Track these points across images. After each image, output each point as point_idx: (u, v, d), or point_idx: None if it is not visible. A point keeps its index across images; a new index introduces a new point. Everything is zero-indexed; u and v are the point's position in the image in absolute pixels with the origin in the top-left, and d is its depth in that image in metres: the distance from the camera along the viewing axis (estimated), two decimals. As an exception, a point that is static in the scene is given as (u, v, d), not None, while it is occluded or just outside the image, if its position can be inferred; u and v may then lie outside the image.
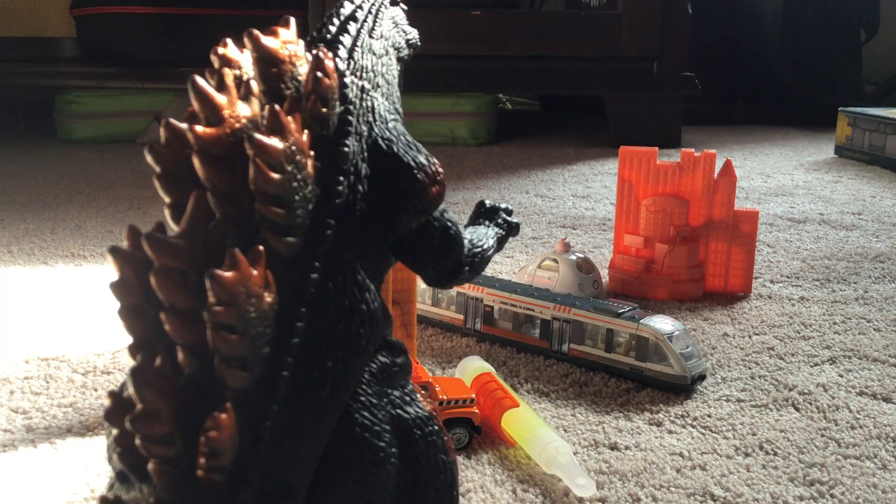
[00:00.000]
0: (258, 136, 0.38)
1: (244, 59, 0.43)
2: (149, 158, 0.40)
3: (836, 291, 1.04)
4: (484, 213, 0.56)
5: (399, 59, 0.52)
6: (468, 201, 1.51)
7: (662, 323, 0.77)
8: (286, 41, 0.43)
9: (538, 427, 0.63)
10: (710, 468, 0.63)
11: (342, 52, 0.45)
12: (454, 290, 0.88)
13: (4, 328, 0.88)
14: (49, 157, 1.91)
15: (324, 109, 0.42)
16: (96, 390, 0.74)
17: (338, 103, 0.42)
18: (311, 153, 0.40)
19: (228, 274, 0.35)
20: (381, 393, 0.42)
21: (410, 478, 0.42)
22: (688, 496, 0.59)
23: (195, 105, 0.40)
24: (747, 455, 0.65)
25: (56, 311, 0.94)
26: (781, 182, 1.72)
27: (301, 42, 0.44)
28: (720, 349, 0.85)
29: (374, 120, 0.45)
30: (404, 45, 0.53)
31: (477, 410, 0.65)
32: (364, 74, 0.46)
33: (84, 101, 2.09)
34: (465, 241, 0.49)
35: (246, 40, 0.42)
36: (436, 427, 0.44)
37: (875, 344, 0.87)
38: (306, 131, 0.40)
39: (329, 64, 0.43)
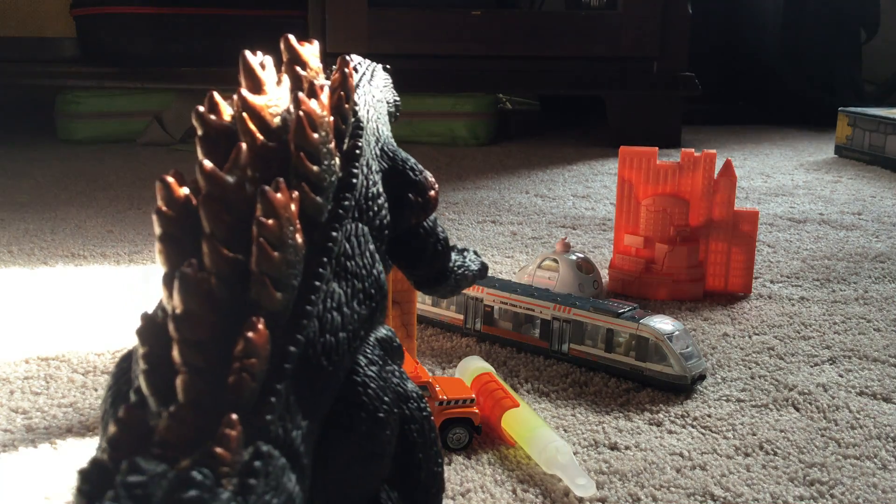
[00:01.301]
0: (304, 97, 0.43)
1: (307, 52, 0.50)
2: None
3: (836, 291, 1.04)
4: (457, 251, 0.61)
5: (388, 113, 0.59)
6: (468, 201, 1.51)
7: (662, 323, 0.77)
8: (312, 52, 0.51)
9: (538, 427, 0.63)
10: (710, 468, 0.63)
11: (354, 79, 0.52)
12: (454, 290, 0.88)
13: (4, 328, 0.88)
14: (49, 157, 1.91)
15: (346, 105, 0.48)
16: (96, 390, 0.74)
17: (350, 129, 0.48)
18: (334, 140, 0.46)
19: (277, 194, 0.38)
20: (385, 360, 0.44)
21: (405, 447, 0.45)
22: (688, 496, 0.59)
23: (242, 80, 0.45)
24: (747, 455, 0.65)
25: (56, 311, 0.94)
26: (781, 182, 1.72)
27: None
28: (720, 349, 0.85)
29: (380, 134, 0.53)
30: (392, 102, 0.62)
31: (477, 410, 0.65)
32: (368, 107, 0.52)
33: (84, 101, 2.09)
34: (455, 257, 0.57)
35: (282, 46, 0.49)
36: (426, 404, 0.47)
37: (875, 344, 0.87)
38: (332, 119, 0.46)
39: (345, 80, 0.49)
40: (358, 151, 0.47)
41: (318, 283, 0.40)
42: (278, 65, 0.48)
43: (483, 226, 1.34)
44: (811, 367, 0.81)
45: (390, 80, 0.63)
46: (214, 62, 1.92)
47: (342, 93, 0.48)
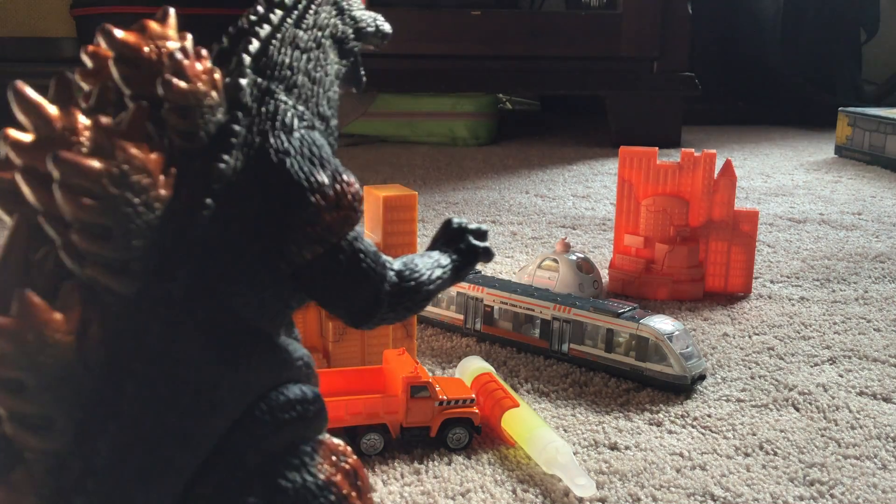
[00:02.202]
0: (66, 153, 0.32)
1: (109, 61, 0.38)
2: None
3: (836, 291, 1.04)
4: (447, 235, 0.47)
5: (344, 52, 0.45)
6: (468, 201, 1.51)
7: (662, 323, 0.77)
8: (155, 35, 0.38)
9: (538, 427, 0.63)
10: (710, 468, 0.63)
11: (252, 46, 0.40)
12: (454, 290, 0.88)
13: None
14: (49, 157, 1.91)
15: (184, 121, 0.36)
16: None
17: (218, 108, 0.37)
18: (168, 171, 0.35)
19: (8, 321, 0.31)
20: (294, 461, 0.37)
21: None
22: (688, 496, 0.59)
23: (20, 117, 0.35)
24: (747, 455, 0.65)
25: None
26: (781, 182, 1.72)
27: (188, 37, 0.39)
28: (720, 349, 0.85)
29: (274, 127, 0.38)
30: (350, 35, 0.45)
31: (477, 410, 0.65)
32: (277, 73, 0.40)
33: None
34: (390, 273, 0.41)
35: (99, 38, 0.38)
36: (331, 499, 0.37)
37: (875, 344, 0.87)
38: (162, 146, 0.35)
39: (193, 64, 0.37)
40: (214, 178, 0.36)
41: (117, 409, 0.33)
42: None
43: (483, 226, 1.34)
44: (811, 367, 0.81)
45: (356, 1, 0.47)
46: (213, 63, 1.91)
47: (169, 108, 0.35)
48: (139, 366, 0.33)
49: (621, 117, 2.11)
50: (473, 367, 0.73)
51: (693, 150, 1.02)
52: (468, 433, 0.65)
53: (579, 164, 1.90)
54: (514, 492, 0.59)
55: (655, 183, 1.02)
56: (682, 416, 0.71)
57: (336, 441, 0.39)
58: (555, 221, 1.38)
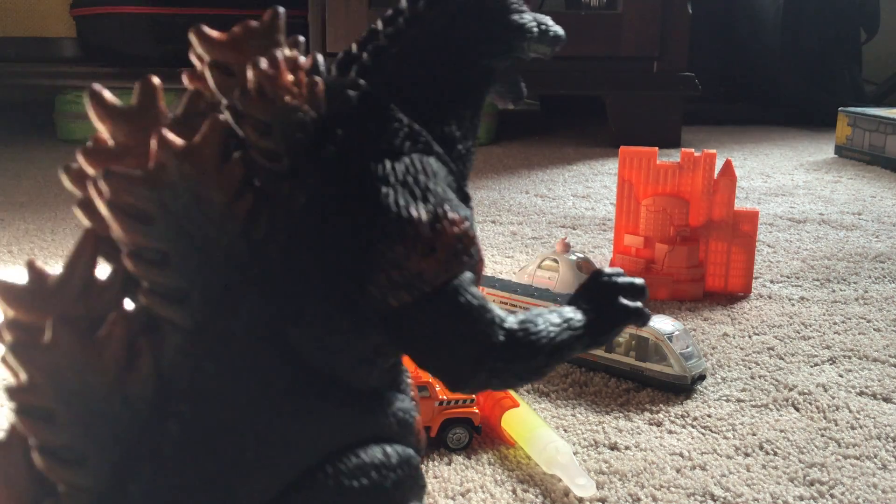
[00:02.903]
0: (116, 167, 0.30)
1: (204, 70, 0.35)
2: (66, 183, 0.34)
3: (836, 291, 1.04)
4: (593, 289, 0.38)
5: (493, 64, 0.39)
6: (468, 201, 1.51)
7: (662, 323, 0.77)
8: (259, 39, 0.35)
9: (538, 427, 0.63)
10: (710, 468, 0.63)
11: (366, 58, 0.35)
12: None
13: (4, 328, 0.88)
14: (49, 157, 1.91)
15: (261, 137, 0.32)
16: None
17: (310, 126, 0.32)
18: (244, 194, 0.31)
19: (40, 344, 0.29)
20: None
21: None
22: (688, 496, 0.59)
23: (94, 121, 0.33)
24: (747, 455, 0.65)
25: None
26: (781, 182, 1.72)
27: (299, 41, 0.35)
28: (720, 349, 0.85)
29: (379, 150, 0.33)
30: (502, 44, 0.39)
31: (477, 410, 0.65)
32: (395, 86, 0.35)
33: (84, 101, 2.09)
34: (498, 332, 0.34)
35: (194, 39, 0.34)
36: None
37: (875, 344, 0.87)
38: (238, 166, 0.32)
39: (284, 75, 0.32)
40: (288, 208, 0.32)
41: (161, 450, 0.30)
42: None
43: (483, 226, 1.34)
44: (811, 367, 0.81)
45: (514, 5, 0.39)
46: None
47: (248, 124, 0.32)
48: (186, 407, 0.30)
49: (621, 117, 2.11)
50: (473, 367, 0.73)
51: (693, 150, 1.02)
52: (468, 433, 0.65)
53: (579, 164, 1.90)
54: (514, 492, 0.59)
55: (655, 183, 1.02)
56: (682, 416, 0.71)
57: None
58: (555, 221, 1.38)
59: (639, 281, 0.38)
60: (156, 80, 0.34)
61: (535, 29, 0.40)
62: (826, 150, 2.11)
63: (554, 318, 0.36)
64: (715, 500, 0.59)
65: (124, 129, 0.32)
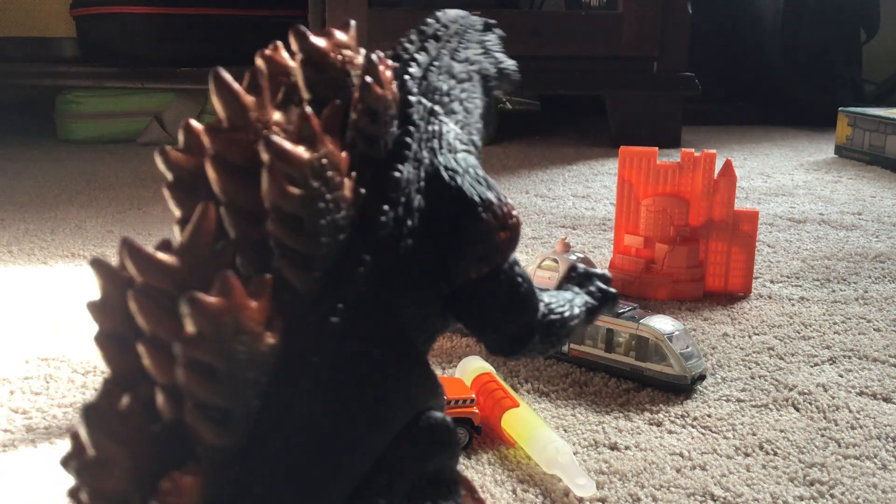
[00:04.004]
0: (277, 139, 0.32)
1: (294, 65, 0.38)
2: (160, 163, 0.35)
3: (836, 291, 1.04)
4: (574, 279, 0.47)
5: (487, 89, 0.46)
6: (468, 201, 1.51)
7: (662, 323, 0.77)
8: (340, 44, 0.38)
9: (538, 427, 0.63)
10: (710, 468, 0.63)
11: (414, 70, 0.40)
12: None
13: (4, 328, 0.88)
14: (49, 157, 1.91)
15: (373, 125, 0.36)
16: (96, 390, 0.74)
17: (395, 121, 0.37)
18: (352, 174, 0.35)
19: (212, 299, 0.29)
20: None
21: None
22: (688, 496, 0.59)
23: (216, 103, 0.34)
24: (747, 455, 0.65)
25: (56, 311, 0.94)
26: (781, 182, 1.72)
27: (362, 50, 0.39)
28: (720, 349, 0.85)
29: (440, 147, 0.39)
30: (494, 75, 0.46)
31: (477, 410, 0.65)
32: (437, 97, 0.40)
33: (84, 101, 2.09)
34: (541, 305, 0.41)
35: (292, 39, 0.37)
36: None
37: (875, 344, 0.87)
38: (348, 148, 0.35)
39: (385, 72, 0.37)
40: (391, 186, 0.36)
41: (297, 399, 0.31)
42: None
43: (483, 226, 1.34)
44: (811, 367, 0.81)
45: (497, 42, 0.48)
46: (214, 62, 1.92)
47: (364, 112, 0.36)
48: (316, 361, 0.32)
49: (621, 117, 2.11)
50: (473, 367, 0.73)
51: (693, 150, 1.02)
52: (468, 433, 0.65)
53: (579, 164, 1.90)
54: (514, 492, 0.59)
55: (655, 183, 1.02)
56: (682, 416, 0.71)
57: (466, 476, 0.38)
58: (555, 221, 1.38)
59: (607, 272, 0.48)
60: (263, 67, 0.37)
61: (511, 67, 0.49)
62: (826, 150, 2.11)
63: (569, 297, 0.44)
64: (715, 500, 0.59)
65: (241, 109, 0.34)
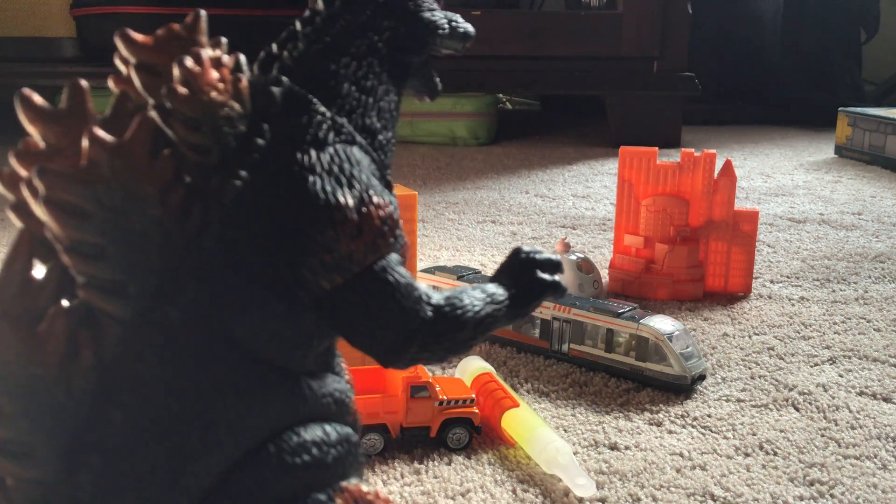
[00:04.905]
0: (50, 165, 0.31)
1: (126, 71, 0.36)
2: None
3: (836, 291, 1.04)
4: (512, 266, 0.41)
5: (410, 59, 0.41)
6: (468, 201, 1.51)
7: (662, 323, 0.77)
8: (183, 40, 0.36)
9: (538, 427, 0.63)
10: (710, 468, 0.63)
11: (285, 56, 0.37)
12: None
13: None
14: (49, 157, 1.91)
15: (193, 133, 0.33)
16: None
17: (240, 119, 0.34)
18: (176, 187, 0.33)
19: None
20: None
21: None
22: (688, 496, 0.59)
23: (25, 123, 0.33)
24: (747, 455, 0.65)
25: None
26: (781, 182, 1.72)
27: (221, 42, 0.37)
28: (720, 349, 0.85)
29: (305, 141, 0.35)
30: (417, 40, 0.40)
31: (477, 410, 0.65)
32: (316, 81, 0.37)
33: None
34: (426, 308, 0.36)
35: (118, 43, 0.35)
36: None
37: (875, 344, 0.87)
38: (169, 161, 0.33)
39: (211, 71, 0.34)
40: (226, 193, 0.33)
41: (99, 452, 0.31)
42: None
43: (483, 226, 1.34)
44: (811, 367, 0.81)
45: (425, 4, 0.41)
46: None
47: (175, 120, 0.33)
48: (129, 396, 0.31)
49: (621, 117, 2.11)
50: (473, 367, 0.73)
51: (693, 150, 1.02)
52: (468, 433, 0.65)
53: (579, 164, 1.90)
54: (514, 492, 0.59)
55: (655, 183, 1.02)
56: (682, 416, 0.71)
57: (365, 488, 0.36)
58: (555, 221, 1.38)
59: (555, 257, 0.41)
60: (84, 82, 0.35)
61: (447, 26, 0.42)
62: (826, 150, 2.11)
63: (478, 294, 0.38)
64: (715, 500, 0.59)
65: (55, 130, 0.33)
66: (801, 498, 0.59)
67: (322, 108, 0.36)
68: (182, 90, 0.33)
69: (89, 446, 0.31)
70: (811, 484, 0.61)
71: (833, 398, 0.74)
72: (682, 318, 0.93)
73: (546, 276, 0.41)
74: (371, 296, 0.35)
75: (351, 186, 0.35)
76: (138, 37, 0.35)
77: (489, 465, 0.63)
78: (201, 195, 0.33)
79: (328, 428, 0.35)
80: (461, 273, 0.90)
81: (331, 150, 0.35)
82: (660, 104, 2.10)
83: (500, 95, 2.58)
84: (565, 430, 0.68)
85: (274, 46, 0.38)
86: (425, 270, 0.92)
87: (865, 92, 2.62)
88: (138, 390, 0.32)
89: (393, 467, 0.62)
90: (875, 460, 0.64)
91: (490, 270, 1.09)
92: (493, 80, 2.10)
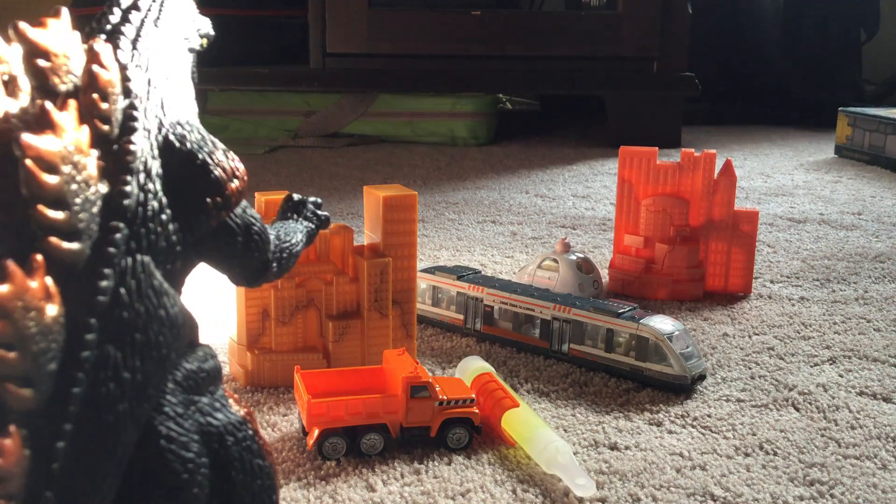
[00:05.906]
0: (26, 135, 0.35)
1: (12, 55, 0.39)
2: None
3: (836, 291, 1.04)
4: (292, 207, 0.56)
5: (191, 51, 0.49)
6: (468, 201, 1.51)
7: (662, 323, 0.77)
8: (58, 32, 0.40)
9: (538, 427, 0.63)
10: (710, 468, 0.63)
11: (124, 43, 0.42)
12: (454, 290, 0.88)
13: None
14: (49, 157, 1.91)
15: (104, 105, 0.39)
16: None
17: (121, 97, 0.40)
18: (94, 152, 0.38)
19: (2, 288, 0.32)
20: (188, 401, 0.40)
21: (225, 486, 0.41)
22: (688, 496, 0.59)
23: None
24: (747, 455, 0.65)
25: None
26: (781, 182, 1.72)
27: (77, 34, 0.41)
28: (720, 349, 0.85)
29: (165, 114, 0.42)
30: (195, 37, 0.50)
31: (477, 410, 0.65)
32: (151, 66, 0.43)
33: None
34: (272, 237, 0.48)
35: (11, 33, 0.39)
36: (249, 431, 0.42)
37: (875, 344, 0.87)
38: (86, 129, 0.37)
39: (107, 56, 0.39)
40: (129, 158, 0.39)
41: (85, 354, 0.35)
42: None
43: (483, 226, 1.34)
44: (811, 367, 0.81)
45: (192, 6, 0.50)
46: (214, 62, 1.92)
47: (94, 95, 0.38)
48: (93, 324, 0.35)
49: (621, 117, 2.11)
50: (473, 367, 0.73)
51: (693, 150, 1.02)
52: (468, 433, 0.65)
53: (579, 164, 1.90)
54: (514, 492, 0.59)
55: (655, 183, 1.02)
56: (682, 416, 0.71)
57: (231, 391, 0.44)
58: (555, 221, 1.38)
59: (319, 199, 0.58)
60: None
61: (208, 26, 0.51)
62: (826, 150, 2.11)
63: (291, 226, 0.53)
64: (715, 500, 0.59)
65: None
66: (801, 498, 0.59)
67: (166, 87, 0.43)
68: (102, 69, 0.39)
69: (75, 367, 0.35)
70: (811, 484, 0.61)
71: (833, 398, 0.74)
72: (682, 318, 0.93)
73: (320, 212, 0.57)
74: (243, 229, 0.45)
75: (216, 146, 0.44)
76: (28, 28, 0.39)
77: (489, 465, 0.63)
78: (109, 161, 0.39)
79: (206, 349, 0.43)
80: (461, 273, 0.90)
81: (186, 120, 0.43)
82: (660, 104, 2.10)
83: (500, 95, 2.58)
84: (565, 430, 0.68)
85: (117, 14, 0.44)
86: (425, 270, 0.92)
87: (865, 92, 2.62)
88: (101, 317, 0.36)
89: (393, 467, 0.62)
90: (875, 460, 0.64)
91: (490, 270, 1.09)
92: (493, 80, 2.10)
